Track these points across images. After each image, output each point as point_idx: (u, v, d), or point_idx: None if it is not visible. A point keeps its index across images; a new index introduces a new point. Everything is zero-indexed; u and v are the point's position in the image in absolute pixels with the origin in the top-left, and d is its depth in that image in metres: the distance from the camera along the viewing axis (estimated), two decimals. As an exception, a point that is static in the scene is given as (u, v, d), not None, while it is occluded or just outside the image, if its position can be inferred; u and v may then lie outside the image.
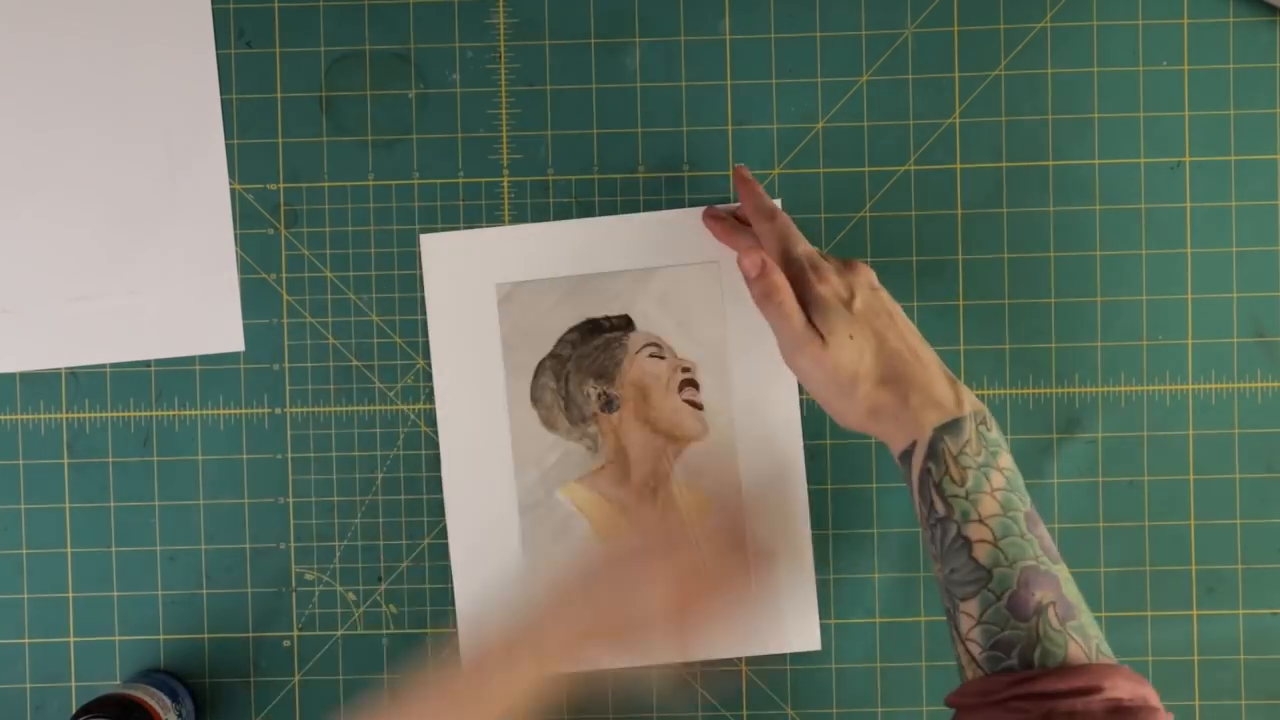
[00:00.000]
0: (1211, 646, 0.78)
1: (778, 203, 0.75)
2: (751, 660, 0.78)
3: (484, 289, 0.77)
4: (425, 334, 0.77)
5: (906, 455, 0.65)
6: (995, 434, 0.65)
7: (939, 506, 0.64)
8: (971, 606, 0.62)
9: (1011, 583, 0.61)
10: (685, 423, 0.77)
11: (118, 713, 0.70)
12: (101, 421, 0.78)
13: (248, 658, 0.78)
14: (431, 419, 0.78)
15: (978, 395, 0.77)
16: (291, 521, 0.78)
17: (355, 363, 0.78)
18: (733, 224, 0.74)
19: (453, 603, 0.77)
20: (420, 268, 0.77)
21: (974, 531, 0.62)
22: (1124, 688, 0.59)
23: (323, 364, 0.78)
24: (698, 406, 0.77)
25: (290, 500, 0.78)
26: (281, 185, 0.78)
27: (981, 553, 0.62)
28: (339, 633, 0.78)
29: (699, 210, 0.76)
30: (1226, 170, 0.78)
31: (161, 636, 0.78)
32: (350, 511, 0.78)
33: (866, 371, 0.66)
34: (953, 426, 0.64)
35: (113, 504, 0.78)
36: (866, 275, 0.69)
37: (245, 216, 0.78)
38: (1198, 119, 0.78)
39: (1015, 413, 0.78)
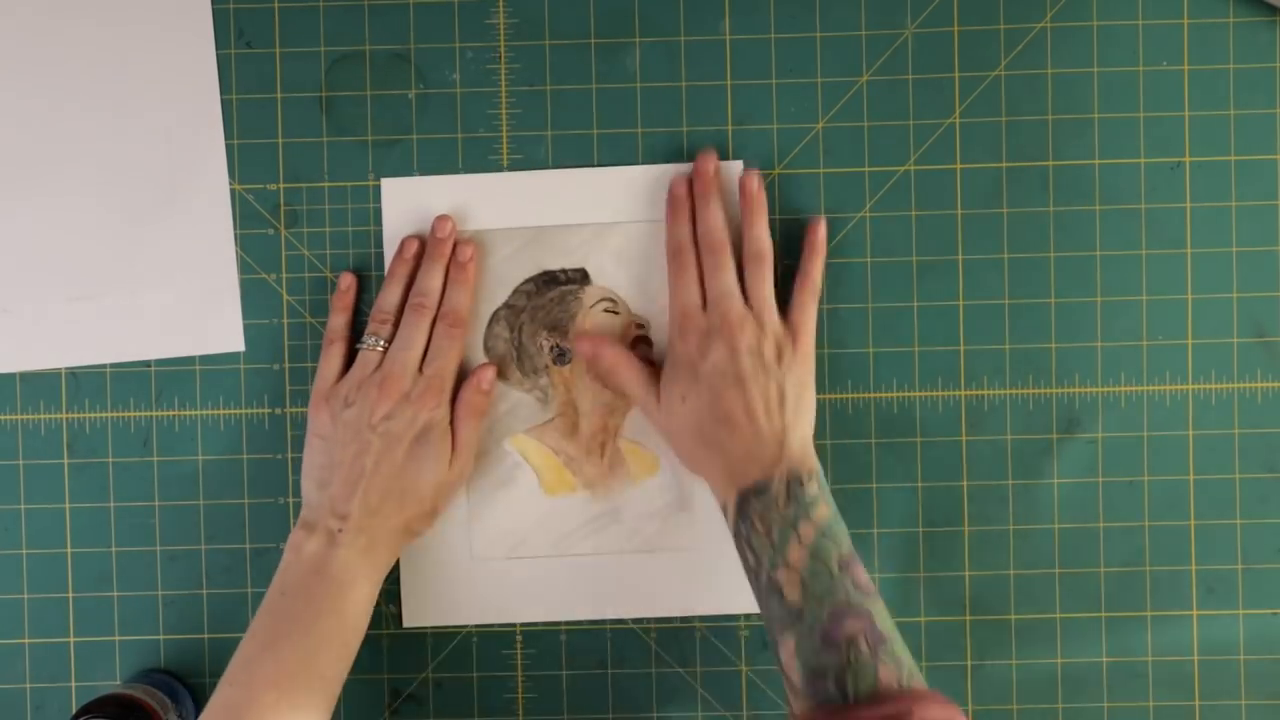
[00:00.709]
0: (1211, 646, 0.78)
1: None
2: (707, 619, 0.78)
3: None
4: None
5: (724, 512, 0.71)
6: (814, 490, 0.69)
7: (749, 558, 0.69)
8: (788, 643, 0.66)
9: (821, 619, 0.65)
10: None
11: (118, 713, 0.70)
12: (101, 421, 0.78)
13: (248, 658, 0.78)
14: (431, 419, 0.78)
15: (977, 395, 0.78)
16: (291, 522, 0.78)
17: (355, 363, 0.78)
18: (686, 214, 0.76)
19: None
20: (379, 214, 0.77)
21: (782, 576, 0.67)
22: (934, 711, 0.61)
23: (323, 364, 0.78)
24: (651, 363, 0.77)
25: (290, 500, 0.78)
26: (281, 185, 0.78)
27: (791, 595, 0.66)
28: (339, 633, 0.78)
29: (660, 168, 0.77)
30: (1226, 170, 0.78)
31: (161, 636, 0.78)
32: (350, 511, 0.78)
33: (690, 433, 0.72)
34: (760, 489, 0.69)
35: (113, 504, 0.78)
36: (743, 337, 0.71)
37: (245, 216, 0.78)
38: (1198, 119, 0.78)
39: (1015, 413, 0.78)
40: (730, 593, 0.78)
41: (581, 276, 0.78)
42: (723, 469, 0.71)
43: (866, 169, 0.78)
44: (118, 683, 0.78)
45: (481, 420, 0.76)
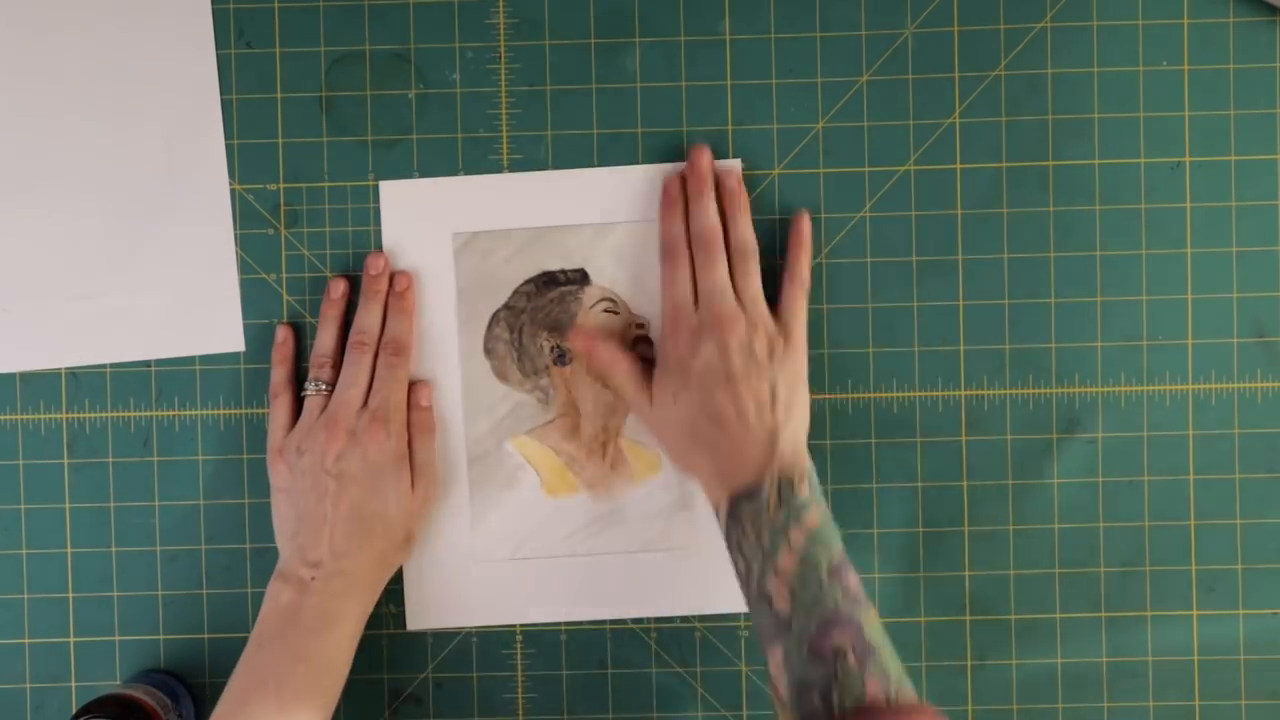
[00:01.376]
0: (1211, 646, 0.78)
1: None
2: (706, 619, 0.78)
3: (441, 237, 0.77)
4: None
5: (716, 513, 0.70)
6: (806, 493, 0.68)
7: (740, 564, 0.68)
8: (776, 652, 0.65)
9: (810, 630, 0.64)
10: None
11: (118, 713, 0.70)
12: (101, 421, 0.78)
13: (248, 658, 0.78)
14: (431, 419, 0.78)
15: (977, 395, 0.78)
16: (291, 521, 0.78)
17: (355, 363, 0.78)
18: (679, 212, 0.75)
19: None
20: (378, 214, 0.77)
21: (772, 585, 0.66)
22: None
23: (323, 364, 0.78)
24: (651, 363, 0.77)
25: (290, 500, 0.78)
26: (281, 185, 0.78)
27: (780, 604, 0.65)
28: (339, 633, 0.78)
29: (660, 167, 0.77)
30: (1226, 170, 0.78)
31: (161, 636, 0.78)
32: (350, 511, 0.78)
33: (682, 432, 0.72)
34: (751, 492, 0.68)
35: (113, 504, 0.78)
36: (734, 334, 0.71)
37: (245, 216, 0.78)
38: (1198, 119, 0.78)
39: (1015, 413, 0.78)
40: (730, 593, 0.78)
41: (581, 277, 0.78)
42: (714, 469, 0.71)
43: (866, 169, 0.78)
44: (118, 683, 0.78)
45: (433, 436, 0.76)
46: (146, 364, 0.78)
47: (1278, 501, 0.78)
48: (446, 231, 0.77)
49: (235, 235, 0.78)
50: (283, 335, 0.77)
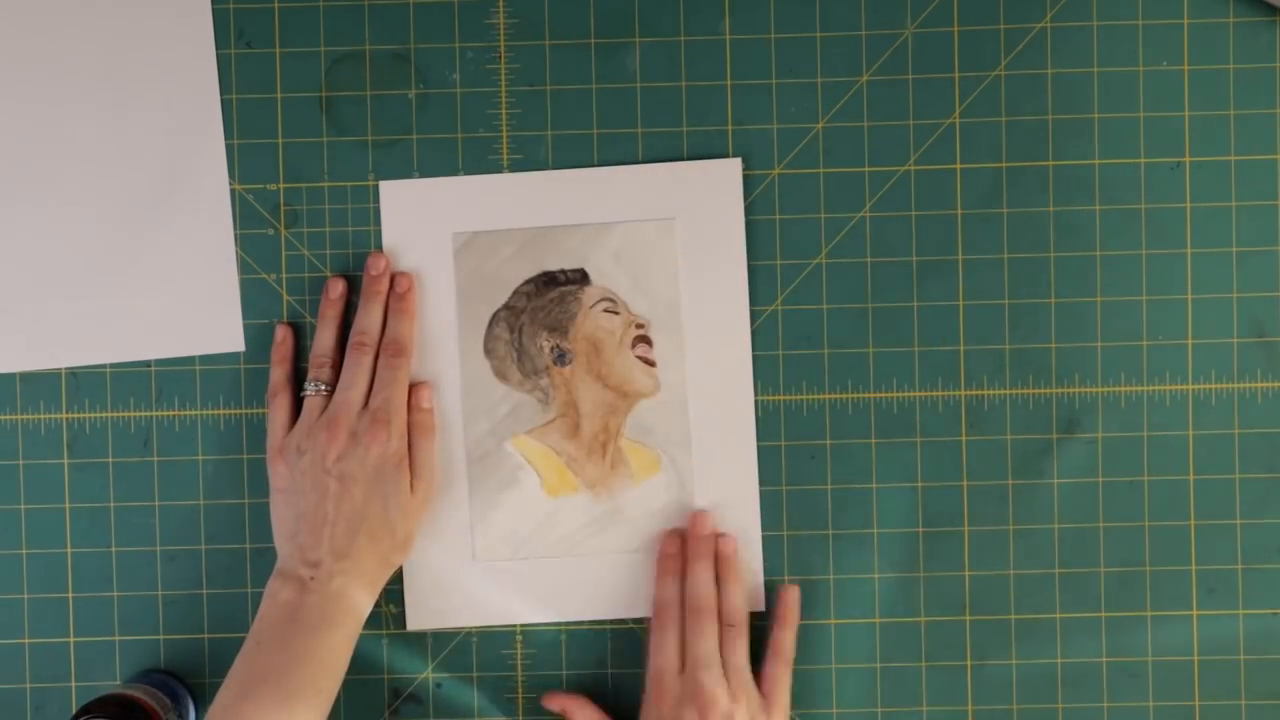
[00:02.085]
0: (1211, 646, 0.78)
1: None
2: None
3: (441, 237, 0.77)
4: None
5: None
6: None
7: None
8: None
9: None
10: (637, 379, 0.78)
11: (118, 713, 0.70)
12: (101, 421, 0.78)
13: (248, 658, 0.78)
14: (431, 419, 0.78)
15: (977, 395, 0.78)
16: (291, 521, 0.78)
17: (355, 363, 0.78)
18: (675, 573, 0.76)
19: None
20: (378, 214, 0.77)
21: None
22: None
23: (323, 364, 0.78)
24: (650, 364, 0.77)
25: (290, 500, 0.78)
26: (281, 185, 0.78)
27: None
28: (339, 633, 0.78)
29: (657, 166, 0.77)
30: (1226, 170, 0.78)
31: (161, 636, 0.78)
32: (350, 511, 0.78)
33: None
34: None
35: (113, 504, 0.78)
36: (716, 710, 0.71)
37: (245, 216, 0.78)
38: (1198, 119, 0.78)
39: (1015, 413, 0.78)
40: None
41: (581, 277, 0.78)
42: None
43: (866, 169, 0.78)
44: (118, 683, 0.78)
45: (433, 438, 0.76)
46: (146, 364, 0.78)
47: (1278, 501, 0.78)
48: (446, 231, 0.77)
49: (235, 235, 0.78)
50: (281, 335, 0.77)
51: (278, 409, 0.76)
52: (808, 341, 0.78)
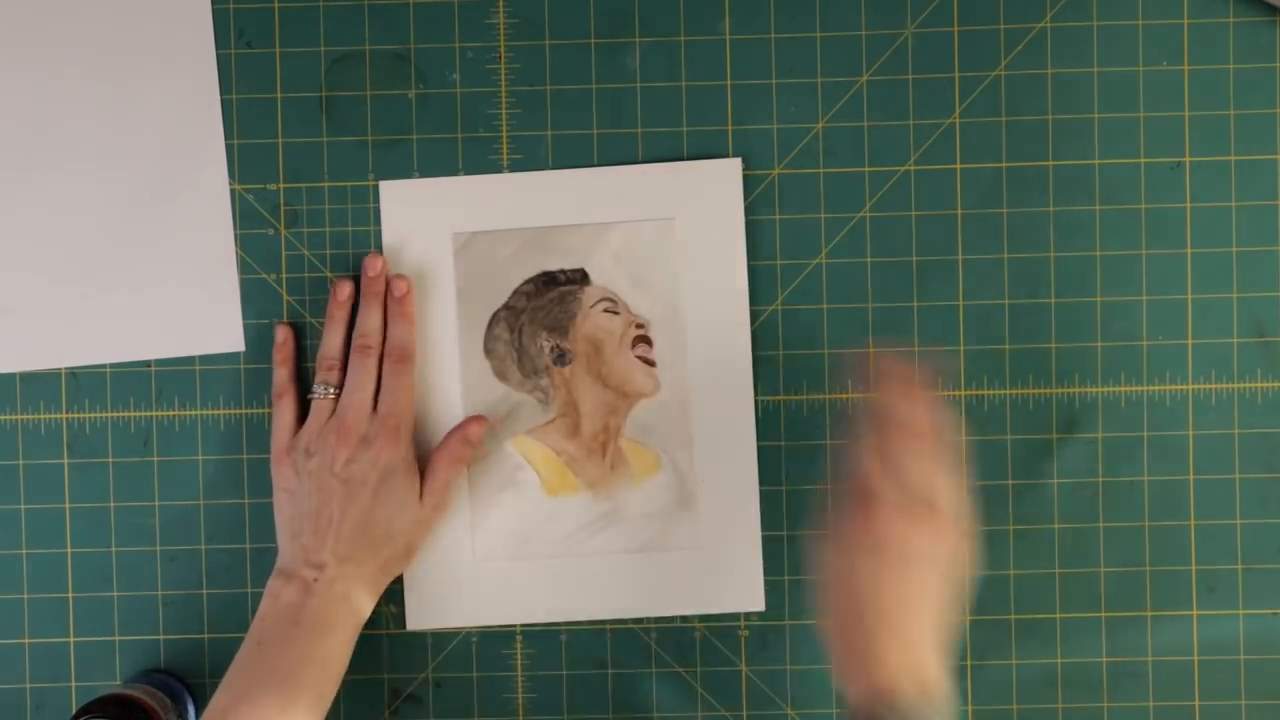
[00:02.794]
0: (1211, 646, 0.78)
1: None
2: (706, 619, 0.78)
3: (441, 238, 0.77)
4: (425, 334, 0.78)
5: (844, 699, 0.65)
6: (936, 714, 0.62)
7: None
8: None
9: None
10: (637, 379, 0.78)
11: (118, 713, 0.70)
12: (101, 421, 0.78)
13: (248, 658, 0.78)
14: (431, 419, 0.78)
15: (977, 395, 0.78)
16: (291, 521, 0.78)
17: (355, 363, 0.78)
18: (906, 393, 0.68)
19: (453, 603, 0.77)
20: (378, 214, 0.77)
21: None
22: None
23: (323, 364, 0.78)
24: (650, 363, 0.77)
25: (290, 500, 0.78)
26: (281, 185, 0.78)
27: None
28: (339, 633, 0.78)
29: (657, 166, 0.77)
30: (1226, 170, 0.78)
31: (161, 636, 0.78)
32: (350, 511, 0.78)
33: (849, 606, 0.65)
34: (892, 702, 0.61)
35: (113, 504, 0.78)
36: (937, 529, 0.64)
37: (245, 216, 0.78)
38: (1198, 119, 0.78)
39: (1015, 413, 0.78)
40: (730, 593, 0.78)
41: (581, 277, 0.78)
42: (862, 654, 0.64)
43: (866, 169, 0.78)
44: (118, 683, 0.78)
45: (463, 468, 0.76)
46: (146, 364, 0.78)
47: (1278, 501, 0.78)
48: (446, 231, 0.77)
49: (235, 235, 0.78)
50: (283, 335, 0.77)
51: (283, 410, 0.76)
52: (808, 342, 0.78)
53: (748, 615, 0.78)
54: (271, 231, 0.78)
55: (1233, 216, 0.78)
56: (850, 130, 0.78)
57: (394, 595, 0.78)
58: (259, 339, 0.78)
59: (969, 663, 0.78)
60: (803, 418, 0.78)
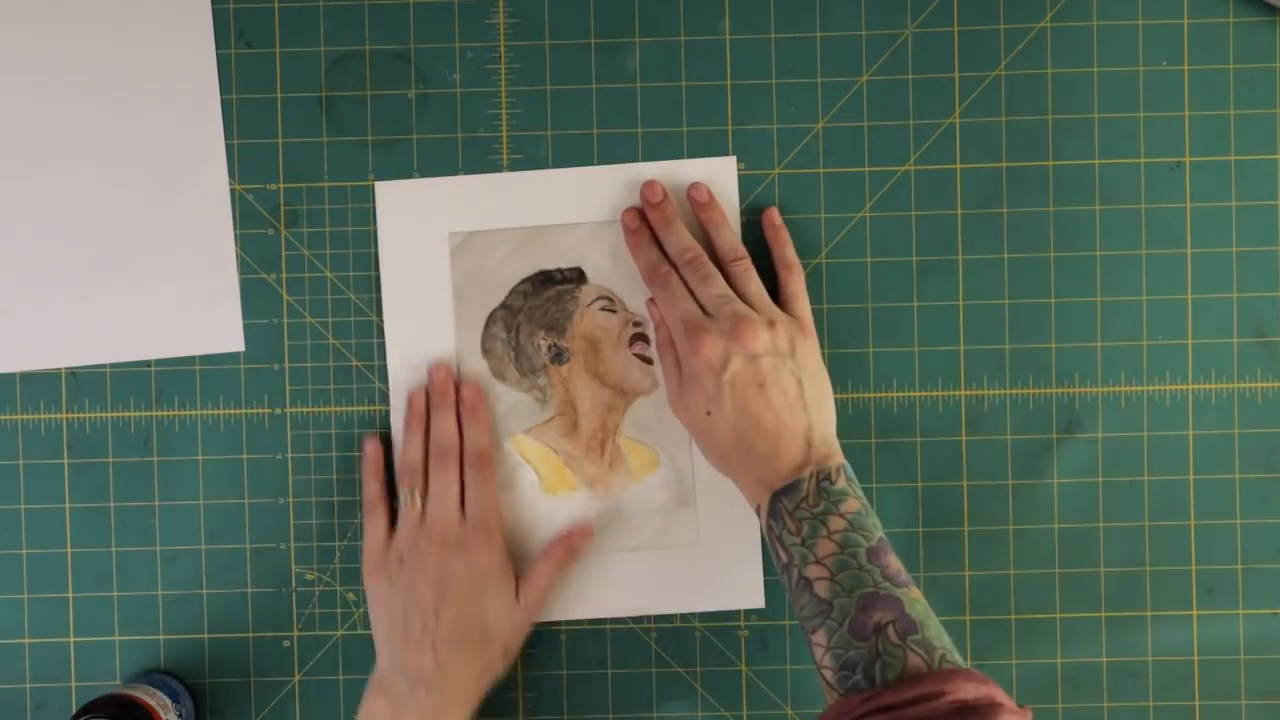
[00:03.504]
0: (1211, 646, 0.78)
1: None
2: (707, 619, 0.78)
3: (437, 238, 0.77)
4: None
5: (757, 513, 0.71)
6: (842, 483, 0.68)
7: (782, 555, 0.68)
8: (820, 636, 0.65)
9: (850, 610, 0.64)
10: (635, 377, 0.78)
11: (118, 713, 0.70)
12: (101, 421, 0.78)
13: (248, 658, 0.78)
14: (431, 419, 0.78)
15: (977, 395, 0.78)
16: (291, 521, 0.78)
17: (355, 363, 0.78)
18: (647, 239, 0.76)
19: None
20: (374, 215, 0.77)
21: (812, 571, 0.66)
22: (967, 689, 0.60)
23: (323, 364, 0.78)
24: (647, 361, 0.77)
25: (290, 500, 0.78)
26: (281, 185, 0.78)
27: (821, 588, 0.65)
28: (339, 633, 0.78)
29: (653, 164, 0.77)
30: (1226, 170, 0.78)
31: (161, 636, 0.78)
32: (350, 511, 0.78)
33: (718, 441, 0.71)
34: (789, 489, 0.68)
35: (113, 504, 0.78)
36: (757, 338, 0.70)
37: (245, 216, 0.78)
38: (1198, 119, 0.78)
39: (1015, 413, 0.78)
40: (730, 592, 0.78)
41: (578, 275, 0.78)
42: (753, 474, 0.70)
43: (866, 169, 0.78)
44: (118, 683, 0.78)
45: (561, 572, 0.76)
46: (146, 364, 0.78)
47: (1278, 501, 0.78)
48: (442, 231, 0.77)
49: (235, 235, 0.78)
50: (372, 449, 0.76)
51: (375, 522, 0.75)
52: (808, 341, 0.78)
53: (748, 615, 0.78)
54: (271, 231, 0.78)
55: (1233, 216, 0.78)
56: (850, 130, 0.78)
57: (394, 595, 0.78)
58: (259, 339, 0.78)
59: (969, 663, 0.78)
60: (803, 418, 0.78)
